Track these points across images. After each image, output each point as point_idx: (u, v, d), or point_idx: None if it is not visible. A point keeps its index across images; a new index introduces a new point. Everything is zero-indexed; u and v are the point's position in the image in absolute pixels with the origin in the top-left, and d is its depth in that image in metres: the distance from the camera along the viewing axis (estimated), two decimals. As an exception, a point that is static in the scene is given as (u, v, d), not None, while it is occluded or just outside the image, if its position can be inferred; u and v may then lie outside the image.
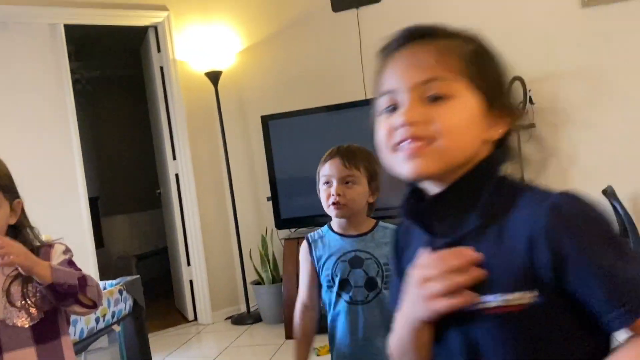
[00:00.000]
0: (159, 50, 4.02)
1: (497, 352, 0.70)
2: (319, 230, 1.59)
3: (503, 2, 3.60)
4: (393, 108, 0.73)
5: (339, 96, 3.56)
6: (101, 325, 2.40)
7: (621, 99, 3.43)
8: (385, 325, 1.30)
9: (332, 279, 1.50)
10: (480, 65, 0.74)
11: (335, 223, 1.56)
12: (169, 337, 3.79)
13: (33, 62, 3.48)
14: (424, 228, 0.77)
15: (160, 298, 4.68)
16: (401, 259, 0.84)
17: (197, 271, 4.01)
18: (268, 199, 3.74)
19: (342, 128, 3.36)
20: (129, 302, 2.62)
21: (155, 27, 3.99)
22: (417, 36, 0.75)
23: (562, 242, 0.65)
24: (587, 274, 0.65)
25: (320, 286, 1.55)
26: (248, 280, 3.93)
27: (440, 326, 0.74)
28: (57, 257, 1.35)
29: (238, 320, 3.89)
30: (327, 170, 1.50)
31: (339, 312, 1.50)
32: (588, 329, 0.68)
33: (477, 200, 0.72)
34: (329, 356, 1.61)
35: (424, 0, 3.70)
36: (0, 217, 1.30)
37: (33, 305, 1.29)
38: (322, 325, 1.59)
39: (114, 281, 2.70)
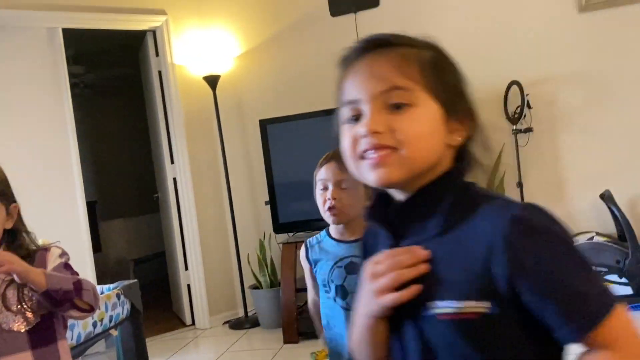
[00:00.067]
0: (157, 54, 4.02)
1: (450, 356, 0.71)
2: (318, 235, 1.60)
3: (500, 7, 3.61)
4: (356, 118, 0.75)
5: (337, 100, 3.56)
6: (98, 329, 2.39)
7: (619, 103, 3.44)
8: None
9: (328, 284, 1.50)
10: (438, 73, 0.75)
11: (332, 228, 1.56)
12: (167, 342, 3.77)
13: (31, 66, 3.48)
14: (388, 232, 0.78)
15: (157, 302, 4.67)
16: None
17: (194, 275, 4.00)
18: (266, 203, 3.73)
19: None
20: (127, 307, 2.62)
21: (154, 32, 4.00)
22: (375, 46, 0.76)
23: (519, 254, 0.66)
24: (542, 287, 0.66)
25: None
26: (246, 285, 3.92)
27: (399, 327, 0.76)
28: (53, 260, 1.35)
29: (236, 324, 3.88)
30: (323, 175, 1.51)
31: (335, 316, 1.50)
32: (542, 341, 0.68)
33: (439, 207, 0.74)
34: (327, 360, 1.61)
35: (421, 5, 3.72)
36: (-3, 222, 1.30)
37: (29, 310, 1.29)
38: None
39: (111, 285, 2.69)
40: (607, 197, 3.22)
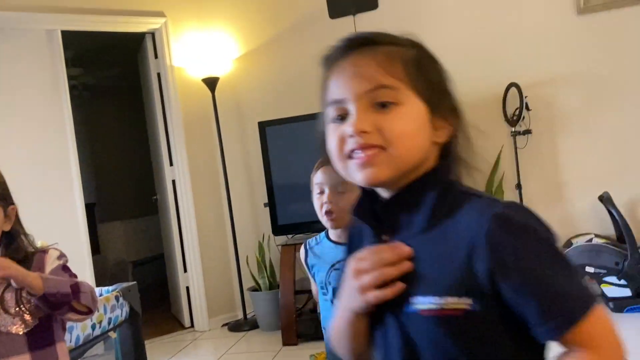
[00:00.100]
0: (156, 56, 4.02)
1: (432, 352, 0.71)
2: (317, 237, 1.60)
3: (499, 9, 3.62)
4: (341, 117, 0.75)
5: (336, 102, 3.56)
6: (97, 331, 2.39)
7: (617, 105, 3.45)
8: None
9: (326, 286, 1.50)
10: (422, 71, 0.75)
11: (331, 231, 1.56)
12: (166, 344, 3.77)
13: (30, 68, 3.48)
14: (373, 229, 0.79)
15: (156, 305, 4.66)
16: None
17: (193, 278, 3.99)
18: (265, 205, 3.73)
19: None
20: (125, 309, 2.61)
21: (153, 34, 4.00)
22: (358, 44, 0.76)
23: (501, 251, 0.66)
24: (522, 285, 0.66)
25: None
26: (245, 287, 3.92)
27: (382, 322, 0.76)
28: (51, 262, 1.34)
29: (235, 327, 3.88)
30: (319, 178, 1.50)
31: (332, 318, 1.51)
32: (524, 339, 0.69)
33: (423, 204, 0.74)
34: (326, 363, 1.61)
35: (420, 8, 3.72)
36: (-5, 224, 1.30)
37: (27, 312, 1.29)
38: (320, 332, 1.59)
39: (110, 287, 2.69)
40: (606, 199, 3.23)
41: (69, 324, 1.97)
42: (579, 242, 3.24)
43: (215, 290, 4.04)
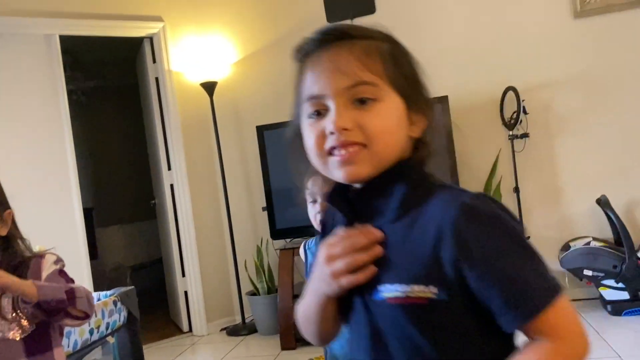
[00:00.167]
0: (154, 61, 4.03)
1: (398, 340, 0.71)
2: (317, 237, 1.60)
3: (496, 13, 3.63)
4: (318, 112, 0.74)
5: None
6: (95, 336, 2.38)
7: (614, 108, 3.46)
8: None
9: None
10: (398, 65, 0.75)
11: None
12: (164, 349, 3.76)
13: (28, 72, 3.48)
14: (346, 216, 0.79)
15: (154, 309, 4.65)
16: None
17: (192, 282, 3.99)
18: (263, 209, 3.73)
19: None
20: (124, 314, 2.61)
21: (151, 38, 4.01)
22: (334, 38, 0.75)
23: (466, 239, 0.67)
24: (486, 274, 0.66)
25: None
26: (243, 291, 3.91)
27: (351, 308, 0.77)
28: (48, 267, 1.34)
29: (233, 331, 3.87)
30: (310, 187, 1.49)
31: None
32: (490, 329, 0.69)
33: (396, 194, 0.74)
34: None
35: (418, 12, 3.73)
36: (-10, 229, 1.30)
37: (24, 317, 1.28)
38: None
39: (108, 292, 2.68)
40: (603, 202, 3.23)
41: (66, 329, 1.97)
42: (577, 245, 3.24)
43: (214, 295, 4.04)
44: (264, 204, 3.71)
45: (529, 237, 3.60)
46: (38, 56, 3.52)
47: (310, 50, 0.76)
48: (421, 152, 0.77)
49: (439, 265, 0.68)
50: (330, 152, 0.73)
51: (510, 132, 3.50)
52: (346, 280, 0.73)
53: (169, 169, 4.03)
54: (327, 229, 0.86)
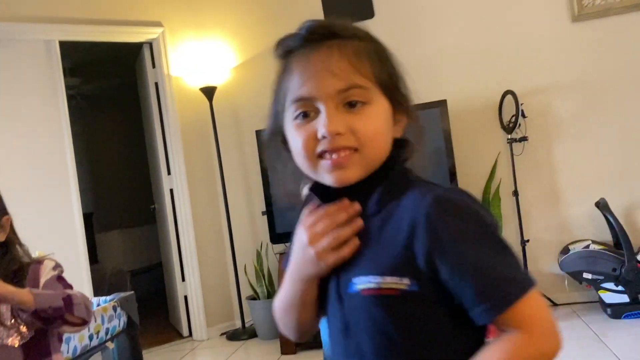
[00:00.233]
0: (153, 66, 4.04)
1: (372, 331, 0.71)
2: None
3: (494, 17, 3.64)
4: (306, 114, 0.73)
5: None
6: (95, 342, 2.38)
7: (613, 112, 3.47)
8: None
9: None
10: (384, 66, 0.75)
11: None
12: (164, 354, 3.75)
13: (28, 78, 3.49)
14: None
15: (154, 314, 4.65)
16: None
17: (191, 287, 3.99)
18: (263, 213, 3.73)
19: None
20: (123, 319, 2.61)
21: (150, 44, 4.02)
22: (322, 37, 0.74)
23: (438, 231, 0.67)
24: (458, 266, 0.66)
25: None
26: (243, 296, 3.91)
27: (327, 301, 0.77)
28: (46, 273, 1.33)
29: (233, 336, 3.87)
30: (305, 194, 1.49)
31: (325, 320, 1.50)
32: (462, 321, 0.69)
33: (375, 190, 0.74)
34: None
35: (417, 16, 3.74)
36: (-11, 235, 1.30)
37: (23, 324, 1.28)
38: (318, 341, 1.58)
39: (108, 297, 2.68)
40: (602, 205, 3.23)
41: (66, 335, 1.97)
42: (576, 248, 3.24)
43: (214, 299, 4.03)
44: (264, 208, 3.71)
45: (527, 240, 3.59)
46: (38, 62, 3.53)
47: (295, 47, 0.75)
48: (405, 151, 0.77)
49: (412, 257, 0.68)
50: (320, 155, 0.73)
51: (509, 136, 3.51)
52: (333, 257, 0.73)
53: (169, 173, 4.04)
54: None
